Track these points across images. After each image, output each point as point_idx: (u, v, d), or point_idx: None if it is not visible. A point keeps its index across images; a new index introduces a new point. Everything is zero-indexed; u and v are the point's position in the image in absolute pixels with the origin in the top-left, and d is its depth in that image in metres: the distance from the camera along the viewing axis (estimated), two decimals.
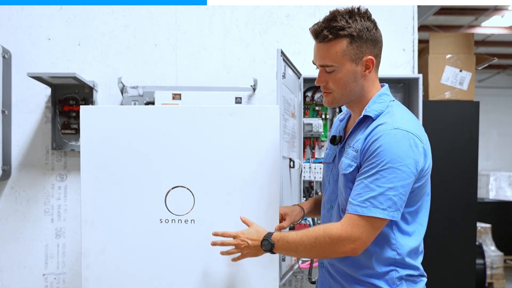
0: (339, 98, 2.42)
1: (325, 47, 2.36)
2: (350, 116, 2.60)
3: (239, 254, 2.52)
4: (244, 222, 2.58)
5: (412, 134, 2.23)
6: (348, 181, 2.37)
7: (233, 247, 2.51)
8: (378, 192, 2.19)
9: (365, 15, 2.37)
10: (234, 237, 2.50)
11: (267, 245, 2.39)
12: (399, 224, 2.31)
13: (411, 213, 2.33)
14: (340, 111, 4.01)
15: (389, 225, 2.29)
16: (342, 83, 2.37)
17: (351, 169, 2.34)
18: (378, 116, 2.35)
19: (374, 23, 2.40)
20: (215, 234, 2.57)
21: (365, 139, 2.30)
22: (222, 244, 2.54)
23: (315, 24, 2.40)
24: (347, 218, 2.24)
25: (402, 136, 2.22)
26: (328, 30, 2.33)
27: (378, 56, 2.42)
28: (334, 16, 2.35)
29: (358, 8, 2.37)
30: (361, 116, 2.40)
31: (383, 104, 2.39)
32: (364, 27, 2.34)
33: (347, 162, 2.37)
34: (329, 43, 2.34)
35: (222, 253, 2.55)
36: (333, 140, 2.59)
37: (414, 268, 2.38)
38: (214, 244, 2.55)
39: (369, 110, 2.38)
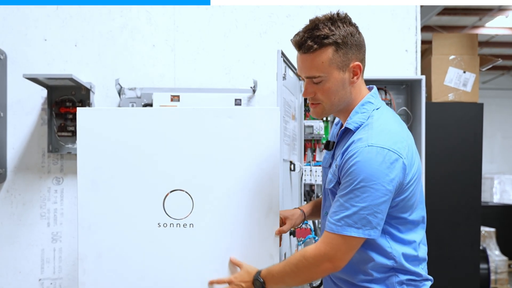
0: (329, 108, 2.39)
1: (310, 57, 2.32)
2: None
3: None
4: (234, 263, 2.63)
5: (388, 150, 2.19)
6: (332, 194, 2.39)
7: None
8: (352, 211, 2.19)
9: (346, 20, 2.34)
10: (229, 282, 2.57)
11: (258, 284, 2.43)
12: (392, 233, 2.31)
13: (403, 223, 2.32)
14: None
15: (383, 235, 2.30)
16: (331, 93, 2.34)
17: (332, 185, 2.36)
18: (358, 128, 2.33)
19: (356, 27, 2.36)
20: (211, 283, 2.65)
21: (343, 154, 2.29)
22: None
23: (296, 34, 2.36)
24: (324, 236, 2.26)
25: (376, 154, 2.18)
26: (312, 40, 2.29)
27: (363, 61, 2.38)
28: (315, 24, 2.32)
29: (338, 14, 2.34)
30: (343, 128, 2.40)
31: (365, 114, 2.35)
32: (347, 32, 2.30)
33: (330, 177, 2.40)
34: (314, 53, 2.30)
35: None
36: (327, 146, 2.59)
37: (416, 274, 2.38)
38: (210, 283, 2.65)
39: (350, 122, 2.36)
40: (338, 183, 2.32)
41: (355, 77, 2.35)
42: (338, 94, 2.35)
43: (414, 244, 2.36)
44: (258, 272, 2.45)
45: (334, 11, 2.36)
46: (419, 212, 2.38)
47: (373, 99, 2.41)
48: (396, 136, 2.27)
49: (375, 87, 2.48)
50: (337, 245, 2.21)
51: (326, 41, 2.27)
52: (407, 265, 2.34)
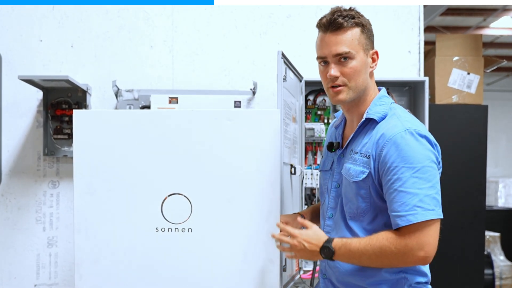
0: (354, 89, 2.43)
1: (340, 35, 2.41)
2: (345, 122, 2.62)
3: (292, 253, 2.51)
4: (302, 224, 2.55)
5: (425, 134, 2.29)
6: (360, 188, 2.39)
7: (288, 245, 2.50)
8: (423, 194, 2.21)
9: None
10: (292, 235, 2.47)
11: (328, 252, 2.37)
12: None
13: None
14: None
15: None
16: (357, 72, 2.41)
17: (364, 176, 2.36)
18: (383, 118, 2.38)
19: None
20: (279, 226, 2.59)
21: (377, 143, 2.32)
22: (280, 240, 2.54)
23: (322, 17, 2.47)
24: (403, 232, 2.24)
25: (417, 136, 2.27)
26: (342, 18, 2.40)
27: None
28: (341, 8, 2.45)
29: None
30: (363, 119, 2.42)
31: (385, 106, 2.43)
32: (368, 20, 2.47)
33: (358, 169, 2.39)
34: (344, 30, 2.40)
35: (278, 247, 2.58)
36: (331, 147, 2.60)
37: (423, 274, 2.41)
38: (273, 236, 2.58)
39: (372, 112, 2.40)
40: (371, 174, 2.34)
41: (374, 64, 2.48)
42: (362, 76, 2.43)
43: None
44: (330, 240, 2.39)
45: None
46: None
47: (387, 95, 2.52)
48: (421, 124, 2.38)
49: (384, 88, 2.56)
50: (422, 233, 2.21)
51: (355, 20, 2.40)
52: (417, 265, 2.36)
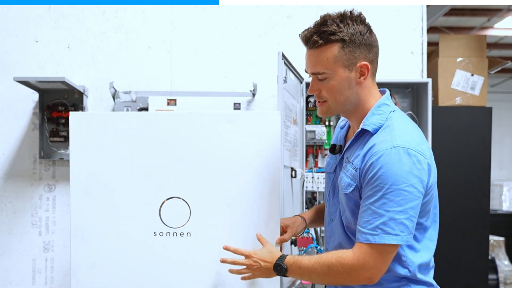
0: (334, 107, 2.41)
1: (315, 53, 2.37)
2: (350, 124, 2.61)
3: (249, 274, 2.52)
4: (259, 240, 2.58)
5: (413, 150, 2.21)
6: (349, 200, 2.37)
7: (244, 266, 2.50)
8: (387, 217, 2.17)
9: (358, 18, 2.36)
10: (247, 256, 2.49)
11: (280, 269, 2.39)
12: None
13: (418, 229, 2.31)
14: None
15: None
16: (335, 91, 2.36)
17: (351, 189, 2.34)
18: (377, 130, 2.34)
19: (368, 26, 2.39)
20: (226, 249, 2.57)
21: (364, 157, 2.29)
22: (233, 262, 2.53)
23: (305, 30, 2.42)
24: (358, 247, 2.23)
25: (403, 154, 2.20)
26: (318, 35, 2.34)
27: (374, 61, 2.41)
28: (324, 20, 2.36)
29: (351, 12, 2.38)
30: (359, 129, 2.40)
31: (382, 116, 2.37)
32: (356, 31, 2.33)
33: (347, 181, 2.37)
34: (319, 49, 2.35)
35: (231, 271, 2.56)
36: (333, 149, 2.60)
37: (427, 284, 2.39)
38: (223, 261, 2.55)
39: (367, 123, 2.37)
40: (358, 188, 2.32)
41: (362, 77, 2.37)
42: (344, 93, 2.37)
43: (428, 251, 2.36)
44: (282, 257, 2.41)
45: (348, 9, 2.40)
46: (434, 218, 2.39)
47: (389, 102, 2.44)
48: (418, 138, 2.31)
49: (387, 91, 2.51)
50: (375, 254, 2.20)
51: (332, 37, 2.32)
52: (420, 275, 2.34)
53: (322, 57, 2.35)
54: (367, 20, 2.40)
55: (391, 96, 2.51)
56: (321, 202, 4.08)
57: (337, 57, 2.33)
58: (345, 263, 2.23)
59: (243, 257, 2.51)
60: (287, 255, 2.42)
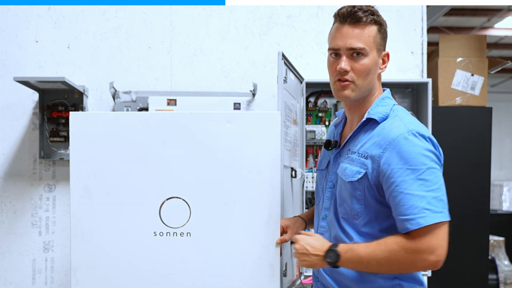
0: (360, 87, 2.41)
1: (357, 29, 2.38)
2: (345, 122, 2.62)
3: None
4: (303, 233, 2.53)
5: (427, 135, 2.28)
6: (355, 189, 2.37)
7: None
8: (430, 197, 2.20)
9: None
10: (295, 240, 2.47)
11: (333, 256, 2.33)
12: None
13: None
14: None
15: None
16: (366, 70, 2.39)
17: (359, 176, 2.35)
18: (384, 119, 2.37)
19: None
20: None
21: (378, 144, 2.31)
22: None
23: (341, 7, 2.43)
24: (414, 235, 2.22)
25: (421, 137, 2.26)
26: (363, 12, 2.38)
27: None
28: (363, 5, 2.42)
29: None
30: (364, 119, 2.42)
31: (387, 107, 2.41)
32: (385, 21, 2.45)
33: (354, 169, 2.38)
34: (362, 25, 2.38)
35: (294, 254, 2.53)
36: (328, 145, 2.60)
37: (419, 282, 2.41)
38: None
39: (373, 112, 2.39)
40: (368, 175, 2.33)
41: (384, 66, 2.46)
42: (370, 75, 2.42)
43: None
44: (335, 244, 2.36)
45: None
46: None
47: (390, 96, 2.51)
48: (425, 127, 2.36)
49: (388, 89, 2.55)
50: (433, 236, 2.20)
51: (375, 17, 2.39)
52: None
53: (364, 33, 2.38)
54: None
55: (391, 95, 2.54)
56: None
57: (375, 38, 2.40)
58: (409, 248, 2.22)
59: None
60: (339, 243, 2.39)
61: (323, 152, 2.72)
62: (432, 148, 2.26)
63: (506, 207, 11.33)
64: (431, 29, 9.42)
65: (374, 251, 2.27)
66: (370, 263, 2.28)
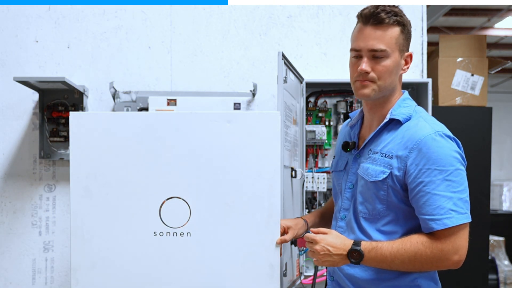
0: (381, 88, 2.43)
1: (380, 30, 2.39)
2: (362, 122, 2.62)
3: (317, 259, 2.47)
4: (317, 232, 2.48)
5: (453, 137, 2.34)
6: (378, 189, 2.39)
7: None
8: (456, 198, 2.24)
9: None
10: (314, 241, 2.43)
11: (357, 255, 2.34)
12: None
13: None
14: (345, 116, 4.02)
15: None
16: (388, 72, 2.40)
17: (384, 176, 2.36)
18: (407, 120, 2.39)
19: None
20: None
21: (404, 145, 2.33)
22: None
23: (364, 8, 2.43)
24: (440, 235, 2.25)
25: (447, 138, 2.30)
26: (386, 13, 2.38)
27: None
28: (385, 6, 2.41)
29: None
30: (387, 119, 2.43)
31: (410, 108, 2.44)
32: (409, 22, 2.45)
33: (378, 169, 2.39)
34: (384, 27, 2.38)
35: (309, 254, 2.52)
36: (346, 147, 2.60)
37: (435, 280, 2.43)
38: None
39: (396, 113, 2.41)
40: (393, 175, 2.34)
41: (406, 67, 2.47)
42: (392, 76, 2.43)
43: None
44: (357, 243, 2.36)
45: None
46: None
47: (410, 98, 2.54)
48: (447, 129, 2.39)
49: (406, 91, 2.58)
50: (457, 237, 2.24)
51: (398, 18, 2.39)
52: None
53: (386, 35, 2.38)
54: None
55: None
56: (321, 202, 4.08)
57: (398, 39, 2.39)
58: (434, 248, 2.25)
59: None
60: (361, 241, 2.39)
61: (339, 154, 2.72)
62: (457, 149, 2.30)
63: (506, 207, 11.33)
64: (431, 29, 9.41)
65: (399, 250, 2.29)
66: (394, 262, 2.31)
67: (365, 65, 2.40)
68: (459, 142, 2.34)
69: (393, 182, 2.35)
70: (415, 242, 2.27)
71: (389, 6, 2.40)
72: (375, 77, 2.40)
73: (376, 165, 2.39)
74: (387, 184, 2.35)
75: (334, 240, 2.40)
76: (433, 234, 2.26)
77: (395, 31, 2.38)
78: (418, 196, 2.28)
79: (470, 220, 2.26)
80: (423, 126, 2.32)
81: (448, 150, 2.26)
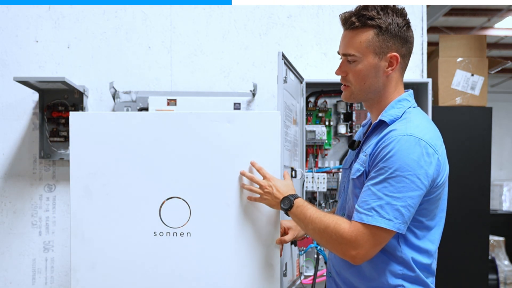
0: (357, 92, 2.44)
1: (350, 34, 2.40)
2: (371, 122, 2.63)
3: (257, 196, 2.62)
4: (283, 176, 2.74)
5: (425, 142, 2.23)
6: (355, 187, 2.40)
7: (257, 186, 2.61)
8: (385, 201, 2.19)
9: (399, 11, 2.41)
10: (266, 178, 2.60)
11: (287, 204, 2.48)
12: (407, 237, 2.31)
13: (420, 227, 2.32)
14: (345, 116, 4.03)
15: (396, 238, 2.29)
16: (361, 76, 2.40)
17: (359, 174, 2.37)
18: (393, 121, 2.37)
19: (407, 21, 2.43)
20: (243, 174, 2.67)
21: (376, 144, 2.32)
22: (251, 178, 2.64)
23: (346, 11, 2.44)
24: (353, 225, 2.25)
25: (414, 144, 2.21)
26: (357, 17, 2.37)
27: (405, 57, 2.45)
28: (366, 6, 2.40)
29: (394, 5, 2.42)
30: (377, 120, 2.43)
31: (401, 109, 2.41)
32: (394, 22, 2.37)
33: (356, 167, 2.41)
34: (355, 31, 2.38)
35: (242, 185, 2.67)
36: (352, 145, 2.61)
37: (425, 285, 2.38)
38: (242, 174, 2.66)
39: (385, 115, 2.40)
40: (366, 174, 2.34)
41: (390, 68, 2.41)
42: (368, 80, 2.41)
43: (428, 253, 2.36)
44: (295, 195, 2.50)
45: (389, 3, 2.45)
46: (438, 221, 2.40)
47: (410, 98, 2.49)
48: (433, 133, 2.33)
49: (411, 90, 2.55)
50: (367, 236, 2.22)
51: (370, 22, 2.35)
52: (418, 274, 2.34)
53: (355, 39, 2.38)
54: (408, 17, 2.45)
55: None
56: (322, 202, 4.08)
57: (370, 43, 2.37)
58: (339, 232, 2.27)
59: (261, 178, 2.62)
60: (300, 197, 2.51)
61: (349, 151, 2.74)
62: (421, 158, 2.20)
63: (506, 207, 11.34)
64: (431, 29, 9.42)
65: (317, 218, 2.36)
66: (308, 226, 2.40)
67: (337, 69, 2.47)
68: (434, 153, 2.25)
69: (366, 179, 2.34)
70: (333, 220, 2.31)
71: (370, 8, 2.37)
72: (351, 80, 2.43)
73: (357, 164, 2.41)
74: (362, 182, 2.35)
75: (281, 184, 2.57)
76: (351, 223, 2.26)
77: (367, 35, 2.36)
78: (362, 188, 2.30)
79: (391, 228, 2.18)
80: (400, 128, 2.29)
81: (406, 153, 2.20)
